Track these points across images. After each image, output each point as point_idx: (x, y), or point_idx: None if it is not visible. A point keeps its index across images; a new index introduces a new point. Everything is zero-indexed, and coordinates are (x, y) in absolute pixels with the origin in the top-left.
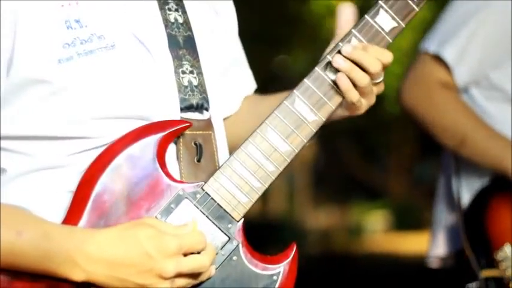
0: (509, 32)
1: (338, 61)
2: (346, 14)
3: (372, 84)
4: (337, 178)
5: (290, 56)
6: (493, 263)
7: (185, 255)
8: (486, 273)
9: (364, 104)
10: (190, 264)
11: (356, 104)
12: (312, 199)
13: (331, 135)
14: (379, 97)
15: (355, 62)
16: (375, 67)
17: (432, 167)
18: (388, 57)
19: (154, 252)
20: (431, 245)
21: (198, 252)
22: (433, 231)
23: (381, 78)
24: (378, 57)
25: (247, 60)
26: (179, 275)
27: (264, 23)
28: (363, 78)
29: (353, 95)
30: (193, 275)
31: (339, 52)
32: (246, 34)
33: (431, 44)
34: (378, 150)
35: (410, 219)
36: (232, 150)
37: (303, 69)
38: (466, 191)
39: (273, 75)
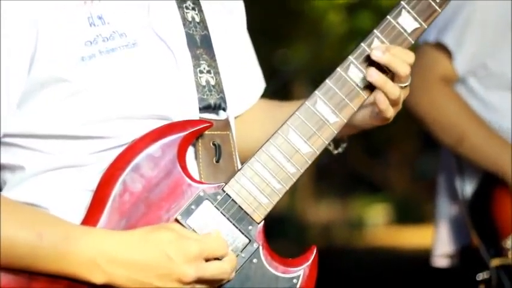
0: (504, 15)
1: (373, 75)
2: None
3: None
4: (339, 172)
5: (291, 50)
6: (501, 252)
7: (206, 260)
8: (496, 262)
9: (393, 113)
10: (211, 270)
11: (389, 117)
12: (313, 193)
13: None
14: None
15: (385, 66)
16: (405, 70)
17: (433, 161)
18: (411, 58)
19: (176, 256)
20: (436, 243)
21: (220, 259)
22: (436, 228)
23: (408, 82)
24: (403, 59)
25: None
26: (199, 281)
27: (265, 16)
28: (394, 90)
29: (390, 111)
30: (214, 281)
31: (368, 56)
32: (247, 28)
33: (430, 34)
34: (379, 144)
35: (411, 213)
36: (239, 150)
37: (304, 63)
38: (469, 182)
39: (274, 69)
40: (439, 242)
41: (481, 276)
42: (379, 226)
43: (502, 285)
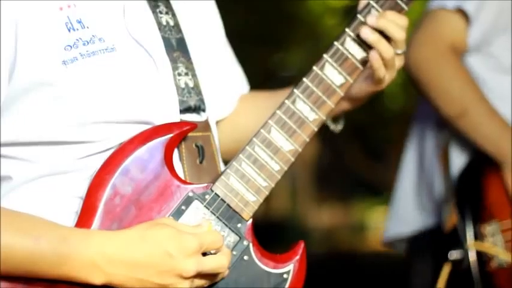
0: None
1: (366, 32)
2: None
3: (395, 55)
4: (340, 176)
5: (288, 54)
6: (478, 236)
7: (203, 255)
8: (472, 244)
9: (387, 78)
10: (210, 264)
11: (382, 79)
12: (314, 197)
13: (333, 133)
14: (379, 93)
15: (380, 32)
16: (400, 34)
17: None
18: (404, 21)
19: (175, 252)
20: (392, 221)
21: (215, 253)
22: (395, 202)
23: (404, 49)
24: (397, 22)
25: (245, 60)
26: (198, 275)
27: (261, 22)
28: (388, 50)
29: (383, 71)
30: (211, 275)
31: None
32: (243, 33)
33: (449, 0)
34: (379, 147)
35: None
36: (235, 151)
37: (301, 68)
38: (457, 156)
39: (271, 74)
40: (396, 219)
41: (454, 254)
42: (381, 229)
43: (469, 269)
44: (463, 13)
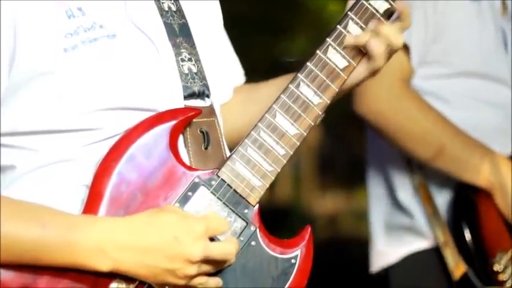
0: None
1: (374, 45)
2: None
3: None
4: (343, 163)
5: (292, 42)
6: (490, 275)
7: (211, 240)
8: None
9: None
10: (217, 249)
11: (379, 69)
12: (318, 184)
13: (336, 119)
14: None
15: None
16: (400, 42)
17: None
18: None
19: (182, 236)
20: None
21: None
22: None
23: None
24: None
25: (251, 46)
26: (206, 261)
27: (265, 9)
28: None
29: (382, 60)
30: (219, 262)
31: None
32: (248, 20)
33: None
34: None
35: None
36: (227, 140)
37: (306, 54)
38: (438, 194)
39: (276, 61)
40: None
41: None
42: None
43: None
44: None
